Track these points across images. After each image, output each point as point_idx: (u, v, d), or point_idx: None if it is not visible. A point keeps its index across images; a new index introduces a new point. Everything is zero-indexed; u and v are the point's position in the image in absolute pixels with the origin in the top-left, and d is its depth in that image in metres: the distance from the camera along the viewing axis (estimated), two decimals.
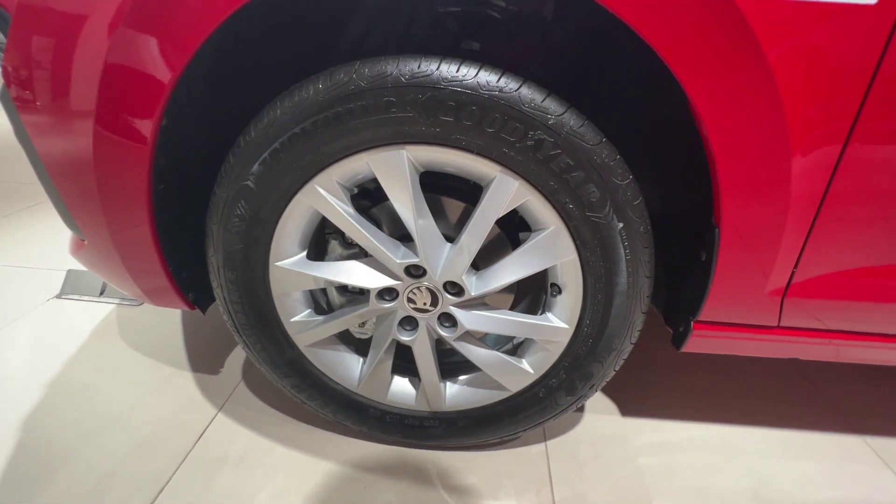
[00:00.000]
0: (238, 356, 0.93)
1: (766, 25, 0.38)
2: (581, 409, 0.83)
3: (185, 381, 0.86)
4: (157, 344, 0.95)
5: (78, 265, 1.19)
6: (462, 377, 0.69)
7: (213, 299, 0.71)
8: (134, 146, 0.50)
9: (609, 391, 0.87)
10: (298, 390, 0.69)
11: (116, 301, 1.07)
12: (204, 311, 0.70)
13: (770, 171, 0.44)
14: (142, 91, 0.47)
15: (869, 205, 0.46)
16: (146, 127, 0.49)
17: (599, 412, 0.83)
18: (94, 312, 1.04)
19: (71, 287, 1.10)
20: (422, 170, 0.53)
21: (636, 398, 0.86)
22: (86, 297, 1.08)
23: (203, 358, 0.92)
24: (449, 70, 0.46)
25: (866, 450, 0.78)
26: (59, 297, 1.08)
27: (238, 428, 0.76)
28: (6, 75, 0.52)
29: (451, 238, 0.58)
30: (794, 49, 0.39)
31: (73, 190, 0.55)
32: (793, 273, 0.51)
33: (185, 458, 0.70)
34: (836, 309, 0.54)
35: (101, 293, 1.08)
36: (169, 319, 1.02)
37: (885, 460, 0.76)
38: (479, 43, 0.64)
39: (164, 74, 0.46)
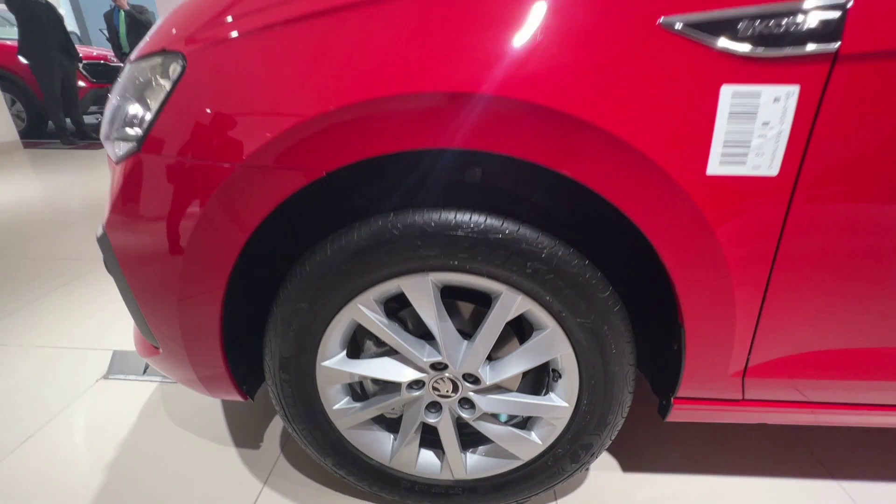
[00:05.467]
0: (275, 429, 1.02)
1: (706, 201, 0.51)
2: (587, 469, 0.93)
3: (229, 456, 0.96)
4: (199, 420, 1.05)
5: (122, 347, 1.30)
6: (480, 448, 0.80)
7: (258, 386, 0.82)
8: (213, 280, 0.62)
9: (611, 449, 0.97)
10: (339, 466, 0.80)
11: (158, 380, 1.17)
12: (252, 398, 0.81)
13: (717, 290, 0.57)
14: (221, 246, 0.60)
15: (800, 310, 0.59)
16: (228, 266, 0.61)
17: (603, 468, 0.93)
18: (139, 391, 1.14)
19: (117, 368, 1.20)
20: (441, 286, 0.66)
21: (635, 453, 0.96)
22: (131, 377, 1.18)
23: (243, 432, 1.02)
24: (462, 219, 0.59)
25: (841, 494, 0.87)
26: (106, 377, 1.19)
27: (284, 501, 0.86)
28: (111, 223, 0.65)
29: (466, 333, 0.70)
30: (727, 211, 0.52)
31: (156, 313, 0.68)
32: (748, 359, 0.63)
33: None
34: (789, 386, 0.66)
35: (144, 372, 1.19)
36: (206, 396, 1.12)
37: (855, 500, 0.85)
38: (480, 169, 0.77)
39: (236, 238, 0.59)
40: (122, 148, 0.62)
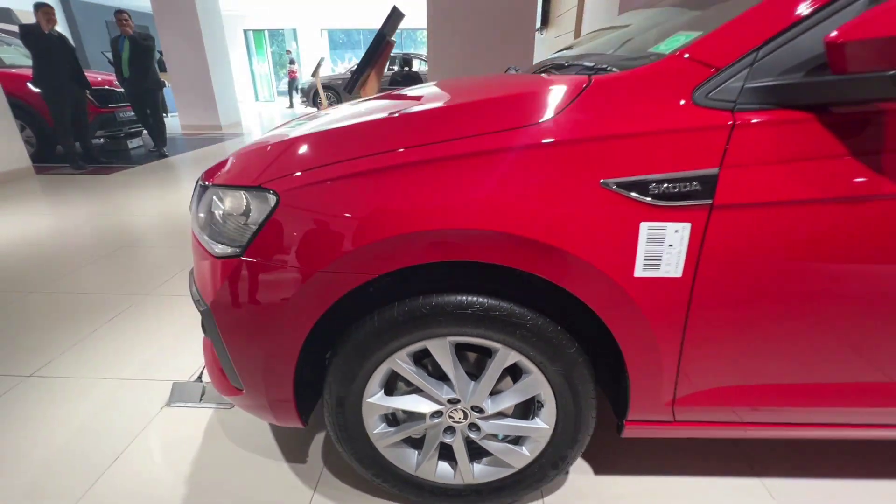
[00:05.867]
0: (317, 446, 1.26)
1: (636, 293, 0.77)
2: (567, 473, 1.18)
3: (282, 470, 1.19)
4: (252, 439, 1.28)
5: (177, 377, 1.53)
6: (484, 459, 1.05)
7: (310, 414, 1.06)
8: (292, 347, 0.87)
9: (586, 457, 1.22)
10: (376, 476, 1.04)
11: (213, 406, 1.41)
12: (306, 424, 1.05)
13: (648, 349, 0.82)
14: (299, 324, 0.84)
15: (704, 362, 0.84)
16: (303, 337, 0.86)
17: (580, 472, 1.18)
18: (198, 416, 1.37)
19: (177, 396, 1.43)
20: (455, 344, 0.91)
21: (605, 460, 1.21)
22: (189, 404, 1.41)
23: (290, 449, 1.26)
24: (472, 300, 0.84)
25: (762, 489, 1.13)
26: (168, 405, 1.42)
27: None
28: (215, 303, 0.89)
29: (472, 374, 0.95)
30: (649, 299, 0.78)
31: (246, 367, 0.92)
32: (674, 393, 0.89)
33: None
34: (704, 411, 0.91)
35: (200, 399, 1.42)
36: (256, 418, 1.36)
37: (774, 496, 1.12)
38: None
39: (310, 319, 0.84)
40: (224, 249, 0.87)
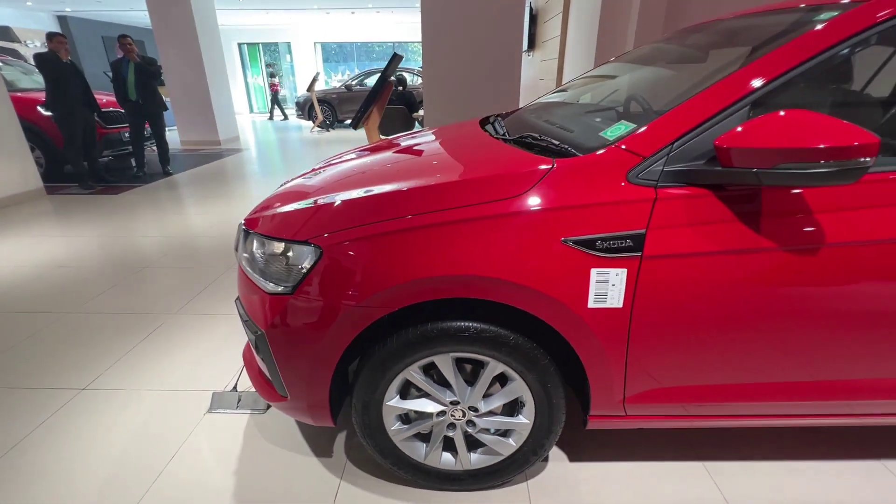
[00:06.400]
0: (340, 442, 1.52)
1: (589, 319, 1.04)
2: (546, 460, 1.44)
3: (312, 464, 1.44)
4: (285, 438, 1.53)
5: (215, 387, 1.78)
6: (479, 449, 1.31)
7: (338, 415, 1.31)
8: (329, 364, 1.12)
9: (562, 447, 1.49)
10: (393, 464, 1.30)
11: (248, 411, 1.65)
12: (336, 423, 1.30)
13: (601, 361, 1.09)
14: (336, 346, 1.10)
15: (644, 369, 1.11)
16: (338, 356, 1.12)
17: (558, 460, 1.44)
18: (237, 421, 1.62)
19: (216, 404, 1.68)
20: (456, 358, 1.17)
21: (578, 449, 1.48)
22: (228, 411, 1.66)
23: (318, 446, 1.51)
24: (469, 325, 1.10)
25: (702, 470, 1.41)
26: (210, 411, 1.66)
27: (356, 491, 1.35)
28: (270, 327, 1.14)
29: (469, 381, 1.21)
30: (594, 323, 1.05)
31: (292, 378, 1.17)
32: (624, 393, 1.16)
33: None
34: (650, 407, 1.18)
35: (237, 405, 1.67)
36: (286, 421, 1.61)
37: (712, 475, 1.39)
38: None
39: (345, 342, 1.10)
40: (276, 287, 1.12)
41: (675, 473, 1.39)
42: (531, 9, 5.88)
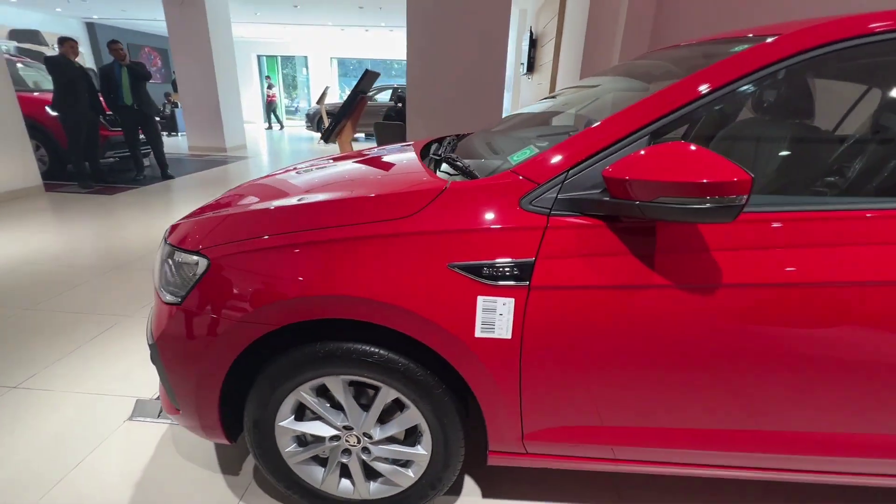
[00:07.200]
0: (250, 462, 1.47)
1: (477, 349, 0.99)
2: (459, 494, 1.37)
3: (215, 481, 1.40)
4: (197, 453, 1.49)
5: (141, 395, 1.75)
6: (379, 479, 1.25)
7: (239, 434, 1.27)
8: (217, 376, 1.09)
9: (477, 481, 1.42)
10: (287, 488, 1.24)
11: (169, 422, 1.62)
12: (235, 441, 1.26)
13: (494, 395, 1.04)
14: (223, 359, 1.07)
15: (537, 406, 1.05)
16: (226, 368, 1.08)
17: (470, 495, 1.37)
18: (154, 431, 1.58)
19: (139, 412, 1.65)
20: (349, 381, 1.13)
21: (491, 484, 1.41)
22: (148, 419, 1.63)
23: (228, 463, 1.46)
24: (356, 348, 1.06)
25: None
26: (130, 419, 1.63)
27: None
28: (160, 339, 1.12)
29: (365, 405, 1.16)
30: (488, 354, 1.00)
31: (182, 390, 1.14)
32: (522, 429, 1.10)
33: None
34: (549, 446, 1.12)
35: (159, 416, 1.63)
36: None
37: None
38: None
39: (232, 355, 1.06)
40: (170, 297, 1.10)
41: None
42: (531, 33, 5.95)
